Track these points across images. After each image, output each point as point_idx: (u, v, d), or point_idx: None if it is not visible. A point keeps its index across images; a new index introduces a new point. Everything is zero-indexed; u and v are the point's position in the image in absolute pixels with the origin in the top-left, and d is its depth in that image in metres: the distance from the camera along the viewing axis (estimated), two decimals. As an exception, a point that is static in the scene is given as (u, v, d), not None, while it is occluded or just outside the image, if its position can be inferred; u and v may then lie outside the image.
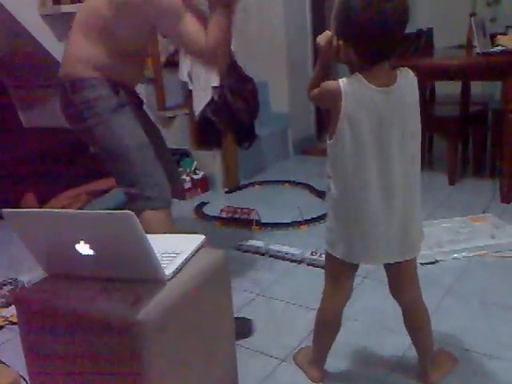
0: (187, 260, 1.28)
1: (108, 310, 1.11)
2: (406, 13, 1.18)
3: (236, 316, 1.50)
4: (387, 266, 1.41)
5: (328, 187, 1.35)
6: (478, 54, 2.86)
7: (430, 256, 2.18)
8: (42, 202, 2.96)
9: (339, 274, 1.43)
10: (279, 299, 2.01)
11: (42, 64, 3.40)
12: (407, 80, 1.25)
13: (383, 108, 1.22)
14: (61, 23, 3.30)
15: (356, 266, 1.41)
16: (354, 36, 1.17)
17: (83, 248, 1.14)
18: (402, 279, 1.42)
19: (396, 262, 1.37)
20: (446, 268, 2.12)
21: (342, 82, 1.22)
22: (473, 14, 3.17)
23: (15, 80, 3.73)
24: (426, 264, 2.14)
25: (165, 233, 1.62)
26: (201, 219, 2.92)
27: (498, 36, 2.87)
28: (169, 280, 1.18)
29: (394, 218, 1.30)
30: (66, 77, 1.79)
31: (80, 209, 2.99)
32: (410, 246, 1.37)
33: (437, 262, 2.17)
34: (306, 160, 4.05)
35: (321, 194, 3.06)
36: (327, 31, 1.25)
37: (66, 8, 3.18)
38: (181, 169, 3.37)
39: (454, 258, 2.18)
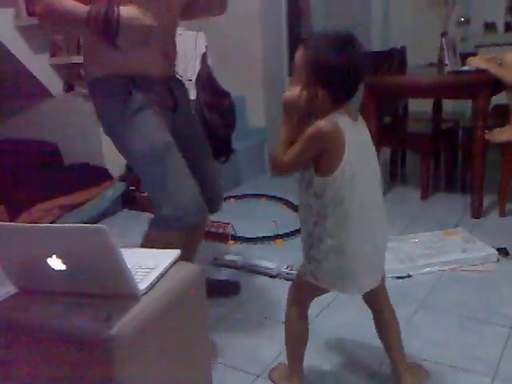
0: (162, 275, 1.26)
1: (80, 326, 1.09)
2: (366, 56, 1.33)
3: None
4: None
5: (316, 223, 1.33)
6: (448, 72, 2.94)
7: (402, 270, 2.21)
8: (12, 216, 2.90)
9: (309, 298, 1.47)
10: (255, 314, 2.00)
11: (16, 75, 3.36)
12: (362, 119, 1.36)
13: (359, 138, 1.30)
14: (36, 36, 3.28)
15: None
16: (331, 80, 1.23)
17: (55, 262, 1.13)
18: (378, 297, 1.47)
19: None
20: (419, 282, 2.15)
21: (335, 121, 1.24)
22: (444, 34, 3.25)
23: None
24: (399, 278, 2.17)
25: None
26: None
27: (469, 58, 2.95)
28: (143, 295, 1.17)
29: (377, 245, 1.36)
30: (85, 79, 1.66)
31: (52, 223, 2.94)
32: (383, 267, 1.43)
33: (409, 276, 2.20)
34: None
35: (297, 208, 3.06)
36: (293, 88, 1.26)
37: (41, 20, 3.16)
38: (156, 182, 3.36)
39: (427, 273, 2.21)
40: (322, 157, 1.26)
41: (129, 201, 3.32)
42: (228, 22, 3.69)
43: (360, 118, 1.35)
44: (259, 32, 3.88)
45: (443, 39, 2.98)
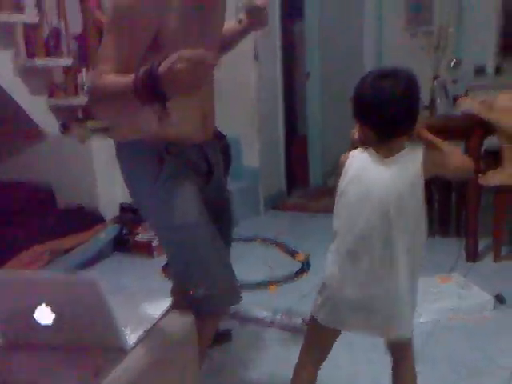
0: (152, 326, 1.23)
1: (67, 383, 1.05)
2: (407, 90, 1.21)
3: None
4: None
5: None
6: (440, 114, 2.98)
7: (398, 317, 2.16)
8: (1, 260, 2.84)
9: (327, 342, 1.40)
10: (250, 367, 1.94)
11: (12, 115, 3.37)
12: (408, 157, 1.25)
13: (380, 174, 1.26)
14: (34, 77, 3.31)
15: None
16: (363, 116, 1.25)
17: (42, 313, 1.10)
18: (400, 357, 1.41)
19: None
20: (415, 331, 2.10)
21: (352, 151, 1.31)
22: (436, 77, 3.31)
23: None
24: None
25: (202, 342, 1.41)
26: (169, 278, 2.84)
27: (460, 98, 3.00)
28: (132, 349, 1.14)
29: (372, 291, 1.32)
30: (113, 140, 1.51)
31: (43, 267, 2.89)
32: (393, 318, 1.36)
33: (405, 323, 2.15)
34: (277, 215, 4.06)
35: (292, 252, 3.04)
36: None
37: (40, 61, 3.21)
38: (150, 224, 3.33)
39: (422, 322, 2.16)
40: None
41: (122, 244, 3.27)
42: (223, 63, 3.78)
43: (406, 156, 1.25)
44: (254, 73, 3.94)
45: (435, 82, 3.03)
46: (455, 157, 1.27)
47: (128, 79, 1.16)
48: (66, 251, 3.04)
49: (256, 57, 3.76)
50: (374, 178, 1.25)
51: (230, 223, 1.68)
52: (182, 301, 1.39)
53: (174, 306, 1.35)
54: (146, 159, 1.40)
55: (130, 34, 1.26)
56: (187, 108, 1.37)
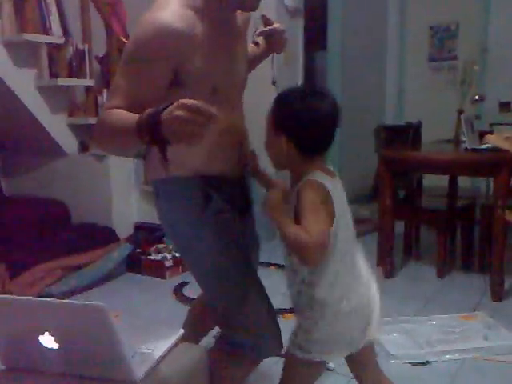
0: (162, 358, 1.16)
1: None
2: (337, 111, 1.23)
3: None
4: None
5: (300, 292, 1.26)
6: (466, 149, 2.90)
7: (420, 356, 2.06)
8: (13, 274, 2.81)
9: (311, 379, 1.34)
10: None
11: (31, 132, 3.39)
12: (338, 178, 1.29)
13: (340, 194, 1.24)
14: (56, 96, 3.33)
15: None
16: (292, 127, 1.21)
17: (47, 340, 1.03)
18: (368, 360, 1.37)
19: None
20: (438, 370, 1.99)
21: (320, 180, 1.19)
22: (461, 111, 3.25)
23: (1, 144, 3.70)
24: (417, 364, 2.02)
25: None
26: (180, 301, 2.78)
27: (486, 135, 2.93)
28: (140, 381, 1.06)
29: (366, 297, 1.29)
30: (148, 177, 1.46)
31: (53, 283, 2.84)
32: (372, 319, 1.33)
33: (428, 363, 2.04)
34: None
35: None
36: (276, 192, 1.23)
37: (62, 81, 3.22)
38: (163, 245, 3.28)
39: (446, 360, 2.05)
40: None
41: (134, 263, 3.23)
42: (246, 93, 3.77)
43: (336, 175, 1.29)
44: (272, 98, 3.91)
45: (462, 116, 2.97)
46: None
47: (133, 118, 1.13)
48: (79, 268, 2.99)
49: (274, 82, 3.72)
50: (343, 198, 1.25)
51: (258, 258, 1.64)
52: (223, 344, 1.37)
53: (188, 340, 1.30)
54: (192, 196, 1.33)
55: (146, 70, 1.21)
56: (225, 138, 1.33)
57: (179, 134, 1.05)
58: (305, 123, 1.19)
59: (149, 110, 1.10)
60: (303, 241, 1.10)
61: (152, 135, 1.09)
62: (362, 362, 1.37)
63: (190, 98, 1.07)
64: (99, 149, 1.34)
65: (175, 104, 1.05)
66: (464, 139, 3.03)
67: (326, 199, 1.17)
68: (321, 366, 1.32)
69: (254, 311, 1.35)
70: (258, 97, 3.79)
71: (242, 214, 1.44)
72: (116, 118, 1.19)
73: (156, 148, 1.12)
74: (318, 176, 1.19)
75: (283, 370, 1.36)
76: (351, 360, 1.36)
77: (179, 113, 1.03)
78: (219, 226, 1.33)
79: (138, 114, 1.13)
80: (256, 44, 1.64)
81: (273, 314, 1.41)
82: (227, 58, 1.34)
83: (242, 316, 1.34)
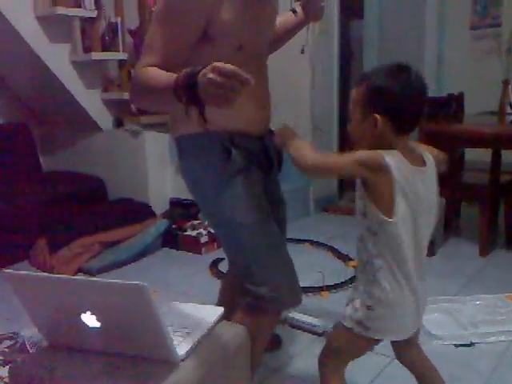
0: (203, 337, 1.14)
1: (110, 395, 0.97)
2: (426, 86, 1.23)
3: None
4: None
5: (365, 264, 1.24)
6: (512, 122, 2.77)
7: (464, 337, 1.99)
8: (53, 249, 2.86)
9: (349, 359, 1.33)
10: (297, 377, 1.82)
11: (67, 108, 3.40)
12: (432, 163, 1.27)
13: (419, 187, 1.20)
14: (90, 71, 3.32)
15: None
16: (389, 105, 1.19)
17: (89, 319, 1.02)
18: (411, 341, 1.36)
19: None
20: (483, 353, 1.93)
21: (385, 155, 1.16)
22: (507, 81, 3.08)
23: (38, 119, 3.74)
24: (460, 346, 1.96)
25: (261, 341, 1.41)
26: (216, 277, 2.77)
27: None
28: (182, 361, 1.05)
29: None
30: (172, 135, 1.47)
31: (91, 259, 2.88)
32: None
33: (472, 344, 1.97)
34: (327, 218, 3.92)
35: (343, 257, 2.92)
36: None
37: (96, 55, 3.20)
38: (198, 221, 3.27)
39: (492, 342, 1.98)
40: (368, 187, 1.18)
41: (170, 239, 3.24)
42: (278, 62, 3.67)
43: (430, 163, 1.26)
44: (309, 74, 3.82)
45: (510, 86, 2.81)
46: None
47: (170, 78, 1.13)
48: (116, 243, 3.01)
49: (302, 51, 3.59)
50: (420, 192, 1.21)
51: (285, 216, 1.66)
52: (241, 297, 1.39)
53: (228, 312, 1.30)
54: (213, 152, 1.35)
55: (179, 25, 1.23)
56: (249, 96, 1.30)
57: (212, 97, 1.04)
58: (406, 99, 1.18)
59: (186, 71, 1.10)
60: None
61: (189, 96, 1.09)
62: (406, 343, 1.35)
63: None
64: (135, 105, 1.37)
65: (209, 66, 1.03)
66: (510, 111, 2.89)
67: (373, 168, 1.15)
68: (372, 344, 1.30)
69: (276, 265, 1.39)
70: (285, 64, 3.71)
71: (265, 172, 1.47)
72: (151, 75, 1.20)
73: (194, 108, 1.11)
74: (393, 154, 1.17)
75: (328, 341, 1.36)
76: (395, 340, 1.35)
77: (212, 76, 1.02)
78: (240, 182, 1.36)
79: (170, 71, 1.15)
80: (294, 12, 1.60)
81: (292, 267, 1.44)
82: (255, 16, 1.34)
83: (263, 270, 1.37)
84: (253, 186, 1.38)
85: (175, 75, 1.12)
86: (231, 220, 1.36)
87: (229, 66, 1.01)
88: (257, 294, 1.36)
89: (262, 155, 1.46)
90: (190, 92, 1.08)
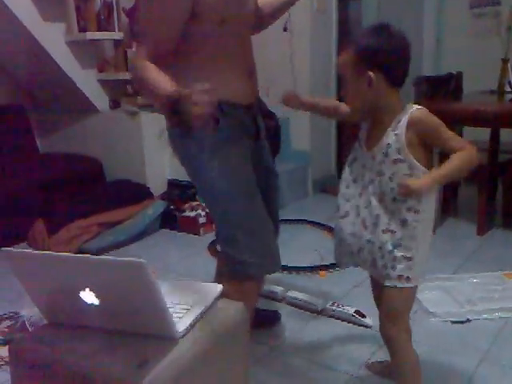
0: (202, 314, 1.14)
1: (111, 370, 0.98)
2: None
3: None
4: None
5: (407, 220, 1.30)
6: (511, 100, 2.75)
7: (460, 314, 2.01)
8: (51, 231, 2.86)
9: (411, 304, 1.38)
10: (296, 355, 1.84)
11: (63, 89, 3.37)
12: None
13: None
14: (85, 51, 3.29)
15: None
16: (383, 60, 1.25)
17: (88, 296, 1.02)
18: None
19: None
20: (480, 329, 1.95)
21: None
22: (506, 60, 3.06)
23: (35, 101, 3.71)
24: (457, 323, 1.98)
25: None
26: (214, 257, 2.78)
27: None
28: (181, 338, 1.05)
29: None
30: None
31: (90, 240, 2.88)
32: None
33: (468, 321, 1.99)
34: (326, 199, 3.92)
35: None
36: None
37: (91, 35, 3.16)
38: (196, 202, 3.27)
39: (488, 319, 2.00)
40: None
41: (169, 220, 3.24)
42: (275, 39, 3.62)
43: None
44: (307, 51, 3.78)
45: (509, 65, 2.79)
46: None
47: (161, 91, 1.21)
48: (114, 224, 3.01)
49: (285, 29, 3.53)
50: None
51: (275, 186, 1.67)
52: (225, 265, 1.47)
53: (219, 280, 1.39)
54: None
55: (169, 8, 1.26)
56: (234, 67, 1.39)
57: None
58: (395, 52, 1.24)
59: (171, 94, 1.16)
60: (470, 153, 1.30)
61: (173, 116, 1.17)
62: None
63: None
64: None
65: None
66: (509, 90, 2.87)
67: None
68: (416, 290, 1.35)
69: (259, 233, 1.45)
70: (267, 41, 3.65)
71: (253, 140, 1.51)
72: (147, 77, 1.28)
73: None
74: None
75: (391, 312, 1.35)
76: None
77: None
78: (227, 151, 1.39)
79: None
80: None
81: (274, 235, 1.53)
82: None
83: (247, 237, 1.43)
84: (240, 156, 1.42)
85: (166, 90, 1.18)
86: (218, 188, 1.40)
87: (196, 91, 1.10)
88: (240, 260, 1.42)
89: (251, 124, 1.49)
90: (173, 114, 1.16)
